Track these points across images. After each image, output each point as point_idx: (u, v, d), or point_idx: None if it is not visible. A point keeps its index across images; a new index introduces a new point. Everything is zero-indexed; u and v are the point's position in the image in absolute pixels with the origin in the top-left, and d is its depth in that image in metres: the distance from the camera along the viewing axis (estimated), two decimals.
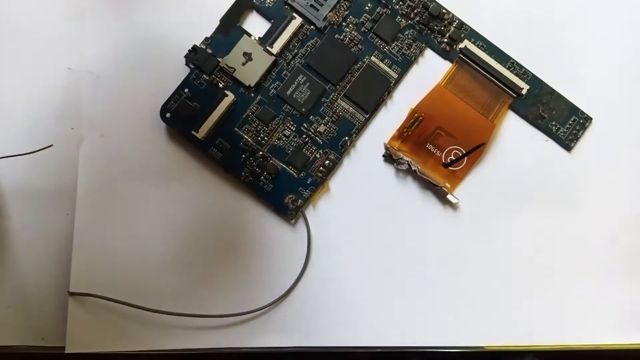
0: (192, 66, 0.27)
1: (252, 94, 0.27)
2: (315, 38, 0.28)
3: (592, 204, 0.28)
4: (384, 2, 0.28)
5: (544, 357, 0.27)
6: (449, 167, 0.27)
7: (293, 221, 0.27)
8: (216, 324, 0.26)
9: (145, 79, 0.27)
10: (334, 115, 0.27)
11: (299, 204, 0.27)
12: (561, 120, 0.28)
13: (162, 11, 0.28)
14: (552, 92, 0.28)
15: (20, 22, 0.28)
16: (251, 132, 0.27)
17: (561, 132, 0.28)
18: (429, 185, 0.27)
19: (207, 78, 0.27)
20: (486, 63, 0.27)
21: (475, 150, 0.27)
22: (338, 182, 0.27)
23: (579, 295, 0.27)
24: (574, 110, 0.28)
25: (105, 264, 0.27)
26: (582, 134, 0.28)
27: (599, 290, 0.27)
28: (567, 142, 0.28)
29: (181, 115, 0.27)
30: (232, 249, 0.27)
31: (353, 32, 0.28)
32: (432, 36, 0.28)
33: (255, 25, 0.28)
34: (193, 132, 0.27)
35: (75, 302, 0.26)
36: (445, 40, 0.28)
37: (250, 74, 0.27)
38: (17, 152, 0.26)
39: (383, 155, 0.28)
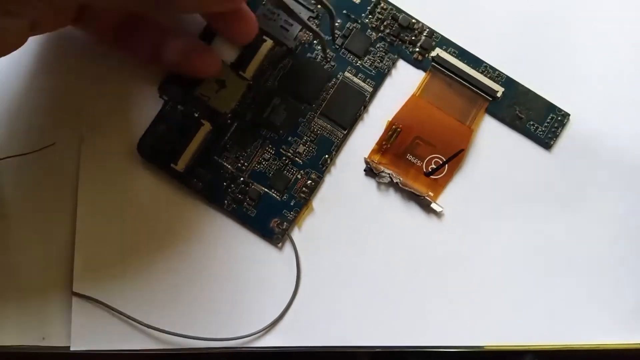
0: (166, 98, 0.27)
1: (229, 121, 0.27)
2: (287, 59, 0.27)
3: (586, 203, 0.28)
4: (353, 17, 0.28)
5: (544, 357, 0.27)
6: (431, 176, 0.27)
7: (280, 245, 0.27)
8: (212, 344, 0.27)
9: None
10: (312, 135, 0.27)
11: (284, 227, 0.27)
12: (539, 120, 0.28)
13: None
14: (528, 92, 0.28)
15: None
16: (230, 159, 0.27)
17: (540, 131, 0.28)
18: (412, 196, 0.27)
19: (182, 109, 0.27)
20: (459, 69, 0.27)
21: (455, 157, 0.27)
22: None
23: (579, 295, 0.27)
24: (551, 108, 0.28)
25: (106, 264, 0.27)
26: (560, 131, 0.28)
27: (599, 290, 0.27)
28: (546, 141, 0.28)
29: (158, 148, 0.27)
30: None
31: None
32: (404, 47, 0.28)
33: (228, 51, 0.27)
34: (172, 165, 0.27)
35: (78, 301, 0.26)
36: (417, 49, 0.28)
37: (225, 101, 0.27)
38: (17, 152, 0.26)
39: (364, 170, 0.28)
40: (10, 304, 0.27)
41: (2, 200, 0.27)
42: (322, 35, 0.26)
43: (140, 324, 0.26)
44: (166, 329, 0.26)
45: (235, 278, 0.27)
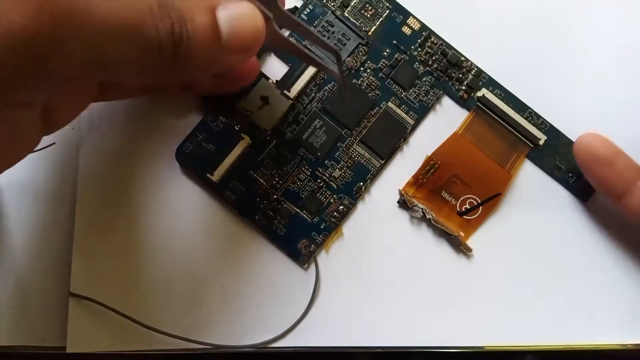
0: (209, 107, 0.27)
1: (268, 137, 0.27)
2: (332, 83, 0.28)
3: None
4: (402, 48, 0.28)
5: (544, 357, 0.27)
6: (464, 216, 0.27)
7: (305, 266, 0.27)
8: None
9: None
10: (350, 161, 0.27)
11: (312, 249, 0.27)
12: (578, 172, 0.27)
13: None
14: (570, 143, 0.27)
15: None
16: (266, 175, 0.27)
17: (578, 184, 0.27)
18: (442, 233, 0.27)
19: (224, 120, 0.27)
20: (504, 112, 0.27)
21: (490, 200, 0.27)
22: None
23: (579, 295, 0.27)
24: None
25: (105, 265, 0.27)
26: None
27: (598, 290, 0.27)
28: (583, 194, 0.27)
29: (197, 157, 0.27)
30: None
31: (371, 77, 0.28)
32: (450, 83, 0.28)
33: (273, 68, 0.28)
34: (208, 175, 0.27)
35: (75, 302, 0.26)
36: (463, 87, 0.28)
37: (267, 118, 0.27)
38: None
39: (397, 202, 0.27)
40: (9, 305, 0.27)
41: (1, 201, 0.27)
42: (342, 77, 0.25)
43: (140, 324, 0.26)
44: (169, 331, 0.26)
45: (251, 288, 0.27)
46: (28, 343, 0.27)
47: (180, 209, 0.27)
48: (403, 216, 0.27)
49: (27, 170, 0.27)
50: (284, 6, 0.24)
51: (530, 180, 0.28)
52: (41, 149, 0.26)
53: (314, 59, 0.24)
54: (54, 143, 0.27)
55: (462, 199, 0.27)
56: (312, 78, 0.27)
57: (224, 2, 0.20)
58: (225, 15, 0.19)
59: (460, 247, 0.27)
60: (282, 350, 0.27)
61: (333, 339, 0.27)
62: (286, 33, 0.27)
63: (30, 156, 0.25)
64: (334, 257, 0.27)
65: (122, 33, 0.17)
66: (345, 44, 0.28)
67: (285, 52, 0.24)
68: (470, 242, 0.27)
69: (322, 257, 0.27)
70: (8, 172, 0.25)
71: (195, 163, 0.27)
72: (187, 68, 0.20)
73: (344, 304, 0.27)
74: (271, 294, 0.27)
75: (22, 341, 0.27)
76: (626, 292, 0.27)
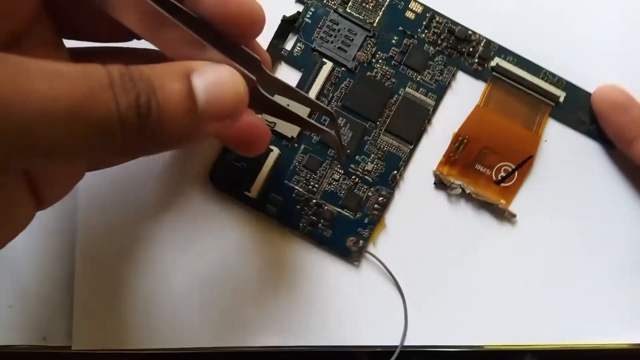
0: None
1: (296, 145, 0.27)
2: (348, 79, 0.28)
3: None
4: (409, 33, 0.28)
5: (544, 357, 0.27)
6: (501, 184, 0.27)
7: (357, 263, 0.27)
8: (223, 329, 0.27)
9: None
10: (379, 152, 0.28)
11: (360, 245, 0.27)
12: None
13: None
14: (588, 95, 0.28)
15: None
16: (301, 182, 0.27)
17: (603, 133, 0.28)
18: (483, 206, 0.27)
19: None
20: (520, 77, 0.28)
21: (524, 164, 0.27)
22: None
23: (579, 295, 0.27)
24: None
25: (110, 268, 0.27)
26: None
27: (599, 290, 0.27)
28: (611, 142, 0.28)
29: (231, 177, 0.27)
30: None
31: (384, 67, 0.28)
32: (462, 59, 0.28)
33: (287, 76, 0.28)
34: (246, 193, 0.27)
35: (80, 300, 0.26)
36: (476, 60, 0.28)
37: (290, 126, 0.27)
38: None
39: (434, 183, 0.28)
40: (11, 304, 0.27)
41: None
42: (339, 138, 0.24)
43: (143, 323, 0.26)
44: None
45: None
46: (29, 342, 0.27)
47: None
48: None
49: None
50: (270, 69, 0.22)
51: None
52: None
53: (309, 121, 0.22)
54: None
55: (496, 168, 0.27)
56: (327, 78, 0.28)
57: (200, 66, 0.18)
58: (202, 81, 0.17)
59: (505, 215, 0.27)
60: (282, 350, 0.27)
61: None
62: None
63: None
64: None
65: (63, 115, 0.15)
66: (352, 39, 0.28)
67: (276, 117, 0.22)
68: (512, 208, 0.27)
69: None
70: None
71: (231, 184, 0.27)
72: (158, 142, 0.17)
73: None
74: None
75: (24, 340, 0.27)
76: (626, 292, 0.27)
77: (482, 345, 0.27)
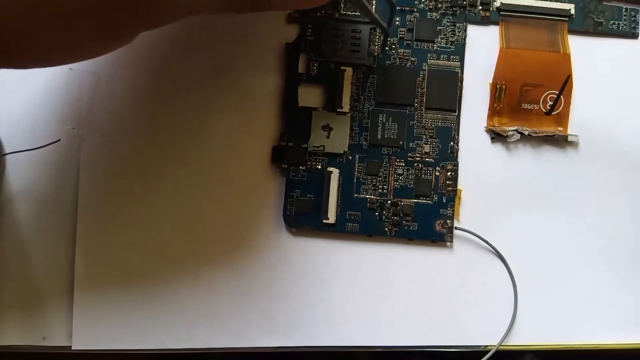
0: (285, 165, 0.27)
1: (350, 157, 0.27)
2: (371, 76, 0.28)
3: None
4: (407, 9, 0.28)
5: (544, 357, 0.27)
6: (552, 113, 0.28)
7: (450, 243, 0.27)
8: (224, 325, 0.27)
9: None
10: (429, 131, 0.28)
11: (449, 224, 0.27)
12: (617, 17, 0.28)
13: None
14: None
15: None
16: (370, 189, 0.27)
17: (622, 26, 0.28)
18: (544, 140, 0.28)
19: (304, 168, 0.27)
20: (527, 6, 0.28)
21: (566, 85, 0.27)
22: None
23: (579, 295, 0.27)
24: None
25: (110, 268, 0.27)
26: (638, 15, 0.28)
27: (599, 290, 0.27)
28: (632, 32, 0.28)
29: (304, 212, 0.27)
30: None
31: (399, 50, 0.28)
32: (467, 11, 0.28)
33: (313, 97, 0.28)
34: (325, 221, 0.27)
35: (80, 299, 0.27)
36: (480, 7, 0.28)
37: (338, 141, 0.27)
38: (21, 148, 0.27)
39: (491, 138, 0.28)
40: (10, 304, 0.27)
41: (5, 198, 0.27)
42: (387, 28, 0.26)
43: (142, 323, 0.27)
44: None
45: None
46: (29, 342, 0.27)
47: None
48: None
49: (27, 170, 0.27)
50: None
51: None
52: (48, 144, 0.27)
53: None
54: (59, 140, 0.27)
55: (542, 100, 0.28)
56: (353, 83, 0.27)
57: None
58: None
59: (566, 140, 0.27)
60: (283, 350, 0.27)
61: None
62: None
63: (30, 156, 0.27)
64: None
65: None
66: (359, 37, 0.28)
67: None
68: (570, 130, 0.28)
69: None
70: (9, 172, 0.26)
71: (307, 219, 0.27)
72: None
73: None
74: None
75: (23, 341, 0.27)
76: (626, 292, 0.27)
77: (482, 345, 0.27)
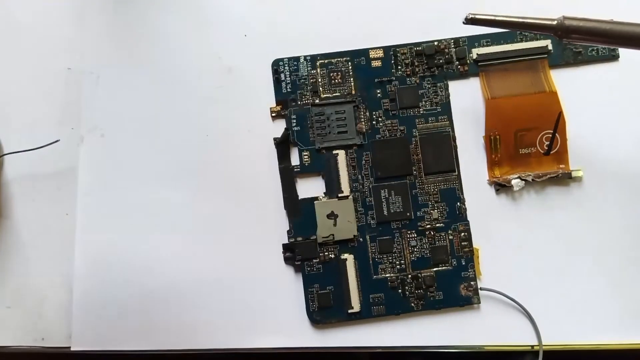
0: (298, 262, 0.27)
1: (361, 239, 0.27)
2: (364, 154, 0.27)
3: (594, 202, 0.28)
4: (386, 79, 0.28)
5: (544, 357, 0.27)
6: (551, 153, 0.27)
7: (478, 304, 0.27)
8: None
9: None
10: (433, 196, 0.27)
11: (473, 286, 0.27)
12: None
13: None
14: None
15: (21, 22, 0.28)
16: (387, 268, 0.27)
17: (602, 51, 0.28)
18: (548, 182, 0.27)
19: (318, 260, 0.27)
20: (502, 52, 0.28)
21: (558, 123, 0.27)
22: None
23: (580, 295, 0.27)
24: None
25: (110, 269, 0.27)
26: None
27: (599, 290, 0.27)
28: (612, 54, 0.28)
29: (328, 306, 0.26)
30: None
31: (386, 122, 0.27)
32: (445, 70, 0.28)
33: (312, 186, 0.27)
34: (350, 311, 0.26)
35: (79, 301, 0.27)
36: (457, 63, 0.28)
37: (346, 227, 0.27)
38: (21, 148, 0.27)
39: (495, 190, 0.27)
40: (10, 305, 0.27)
41: (5, 198, 0.27)
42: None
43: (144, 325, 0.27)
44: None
45: None
46: (28, 343, 0.27)
47: None
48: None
49: (27, 170, 0.27)
50: None
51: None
52: (48, 144, 0.27)
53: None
54: (58, 140, 0.27)
55: (538, 141, 0.27)
56: (348, 164, 0.27)
57: None
58: None
59: (570, 178, 0.27)
60: (284, 350, 0.27)
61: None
62: None
63: (30, 157, 0.27)
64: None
65: None
66: (344, 118, 0.27)
67: None
68: (572, 166, 0.27)
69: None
70: (9, 172, 0.26)
71: (332, 312, 0.26)
72: None
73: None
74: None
75: (22, 341, 0.27)
76: (626, 292, 0.27)
77: (482, 346, 0.27)
